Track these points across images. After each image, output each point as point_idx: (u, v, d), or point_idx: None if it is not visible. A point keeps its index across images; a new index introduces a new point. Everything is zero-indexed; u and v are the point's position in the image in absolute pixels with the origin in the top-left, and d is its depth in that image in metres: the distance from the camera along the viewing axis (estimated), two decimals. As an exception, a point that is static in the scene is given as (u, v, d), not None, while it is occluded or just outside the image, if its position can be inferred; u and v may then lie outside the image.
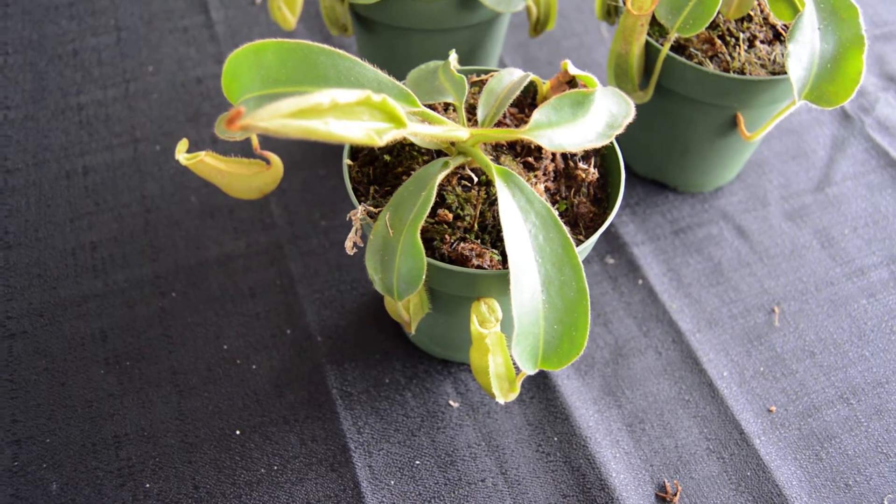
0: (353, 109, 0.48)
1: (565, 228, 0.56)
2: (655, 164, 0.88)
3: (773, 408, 0.74)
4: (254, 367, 0.74)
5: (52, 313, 0.77)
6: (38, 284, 0.79)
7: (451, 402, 0.73)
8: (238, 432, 0.70)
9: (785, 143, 0.95)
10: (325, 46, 0.57)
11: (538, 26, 0.84)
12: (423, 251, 0.55)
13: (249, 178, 0.68)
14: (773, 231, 0.86)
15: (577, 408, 0.72)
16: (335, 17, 0.81)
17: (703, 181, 0.88)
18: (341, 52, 0.57)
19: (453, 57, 0.67)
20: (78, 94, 0.95)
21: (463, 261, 0.58)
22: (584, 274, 0.56)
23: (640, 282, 0.81)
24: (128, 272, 0.80)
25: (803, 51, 0.70)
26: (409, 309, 0.62)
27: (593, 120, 0.60)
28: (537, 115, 0.57)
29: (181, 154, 0.68)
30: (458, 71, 0.70)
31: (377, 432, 0.70)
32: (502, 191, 0.56)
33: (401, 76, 0.68)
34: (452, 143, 0.61)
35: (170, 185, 0.87)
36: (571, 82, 0.67)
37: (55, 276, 0.79)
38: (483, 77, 0.70)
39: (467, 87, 0.62)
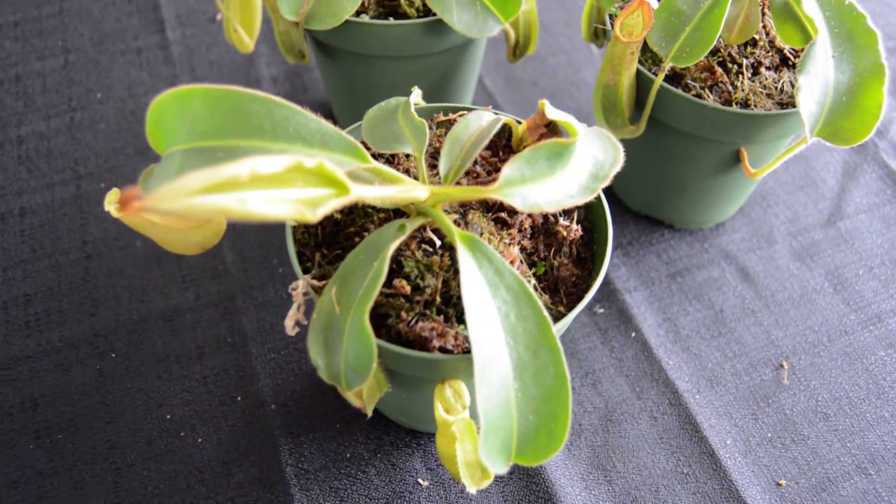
0: (281, 178, 0.40)
1: (541, 304, 0.48)
2: (650, 200, 0.80)
3: (783, 481, 0.66)
4: (199, 440, 0.66)
5: (-23, 378, 0.69)
6: (-36, 344, 0.71)
7: (420, 481, 0.65)
8: (179, 520, 0.62)
9: (792, 172, 0.87)
10: (259, 93, 0.49)
11: (517, 50, 0.75)
12: (372, 337, 0.46)
13: (187, 233, 0.60)
14: (780, 273, 0.78)
15: (562, 485, 0.64)
16: (290, 43, 0.73)
17: (702, 218, 0.80)
18: (277, 99, 0.49)
19: (416, 94, 0.59)
20: (18, 125, 0.87)
21: (423, 342, 0.50)
22: (563, 357, 0.47)
23: (633, 334, 0.73)
24: (64, 329, 0.72)
25: (815, 83, 0.62)
26: (361, 394, 0.53)
27: (575, 171, 0.52)
28: (508, 169, 0.49)
29: (111, 205, 0.60)
30: (422, 110, 0.62)
31: (336, 518, 0.63)
32: (466, 262, 0.48)
33: (364, 106, 0.60)
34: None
35: (113, 228, 0.78)
36: (550, 124, 0.59)
37: (-17, 335, 0.71)
38: (451, 116, 0.62)
39: (428, 133, 0.54)
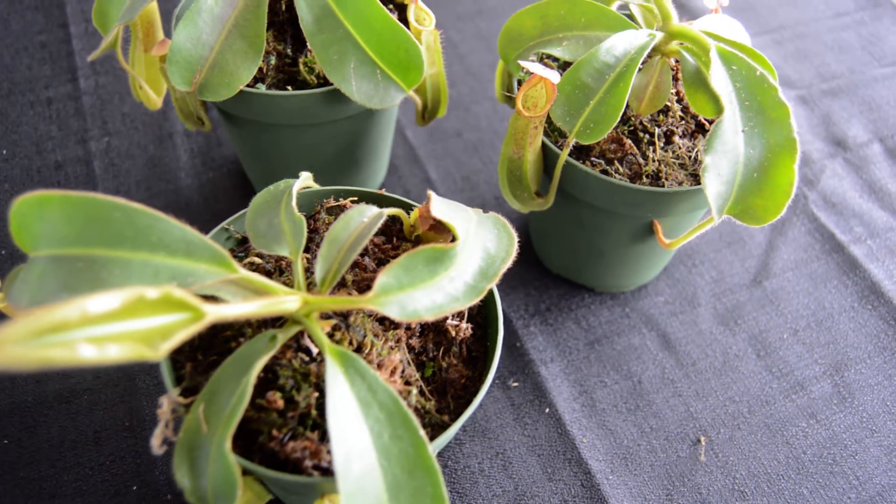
0: (121, 313, 0.37)
1: (416, 423, 0.45)
2: (569, 264, 0.78)
3: (696, 567, 0.64)
4: (89, 537, 0.63)
5: None
6: None
7: (320, 577, 0.62)
8: None
9: (720, 228, 0.85)
10: (120, 201, 0.46)
11: (426, 114, 0.73)
12: (234, 465, 0.44)
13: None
14: (702, 338, 0.76)
15: (466, 579, 0.62)
16: (188, 110, 0.70)
17: (623, 282, 0.78)
18: (139, 207, 0.46)
19: (304, 178, 0.56)
20: (-82, 185, 0.84)
21: (296, 461, 0.47)
22: (440, 477, 0.45)
23: (548, 410, 0.71)
24: (-46, 414, 0.69)
25: (723, 162, 0.59)
26: (236, 513, 0.51)
27: (460, 272, 0.50)
28: (384, 277, 0.47)
29: (-5, 300, 0.58)
30: (311, 195, 0.60)
31: None
32: (335, 379, 0.45)
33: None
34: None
35: (12, 301, 0.75)
36: (443, 212, 0.56)
37: None
38: (342, 202, 0.60)
39: (306, 231, 0.51)
